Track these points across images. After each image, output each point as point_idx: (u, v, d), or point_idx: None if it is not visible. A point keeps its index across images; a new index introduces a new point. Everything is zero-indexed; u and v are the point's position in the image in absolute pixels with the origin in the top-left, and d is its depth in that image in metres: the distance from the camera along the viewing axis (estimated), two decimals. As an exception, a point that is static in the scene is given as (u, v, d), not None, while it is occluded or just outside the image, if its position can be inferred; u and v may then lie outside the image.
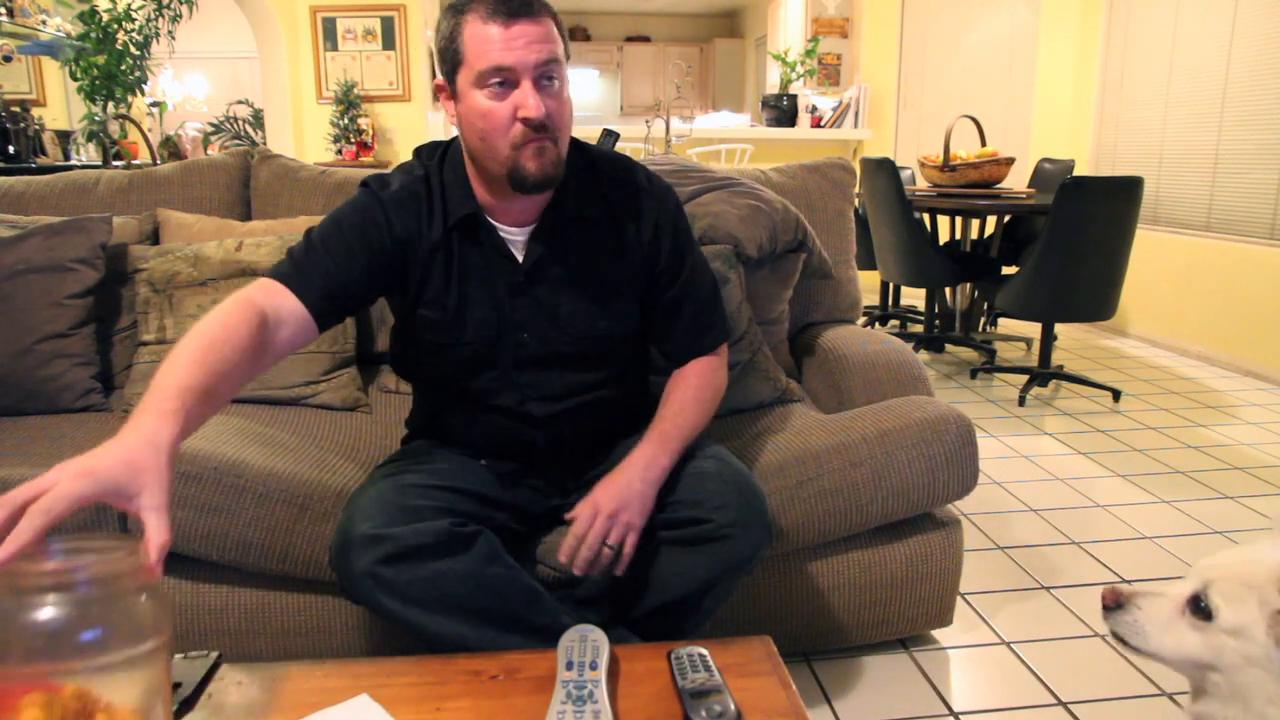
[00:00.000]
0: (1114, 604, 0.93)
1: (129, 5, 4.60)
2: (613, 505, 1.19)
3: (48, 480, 0.79)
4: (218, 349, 1.03)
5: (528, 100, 1.14)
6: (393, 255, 1.27)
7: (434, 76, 1.29)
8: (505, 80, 1.14)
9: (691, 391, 1.35)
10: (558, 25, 1.19)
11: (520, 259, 1.29)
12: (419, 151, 1.35)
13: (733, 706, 0.95)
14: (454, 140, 1.32)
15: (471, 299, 1.29)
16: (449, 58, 1.18)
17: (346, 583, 1.16)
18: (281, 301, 1.17)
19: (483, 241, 1.29)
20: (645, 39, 11.12)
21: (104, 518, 1.42)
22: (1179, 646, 0.88)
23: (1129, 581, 2.06)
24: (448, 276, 1.29)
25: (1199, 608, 0.87)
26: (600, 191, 1.32)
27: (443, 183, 1.29)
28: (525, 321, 1.31)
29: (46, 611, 0.72)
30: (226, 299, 1.13)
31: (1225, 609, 0.85)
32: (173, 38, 4.72)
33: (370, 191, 1.30)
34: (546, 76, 1.16)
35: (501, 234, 1.29)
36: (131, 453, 0.84)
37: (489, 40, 1.13)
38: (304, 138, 5.94)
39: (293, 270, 1.21)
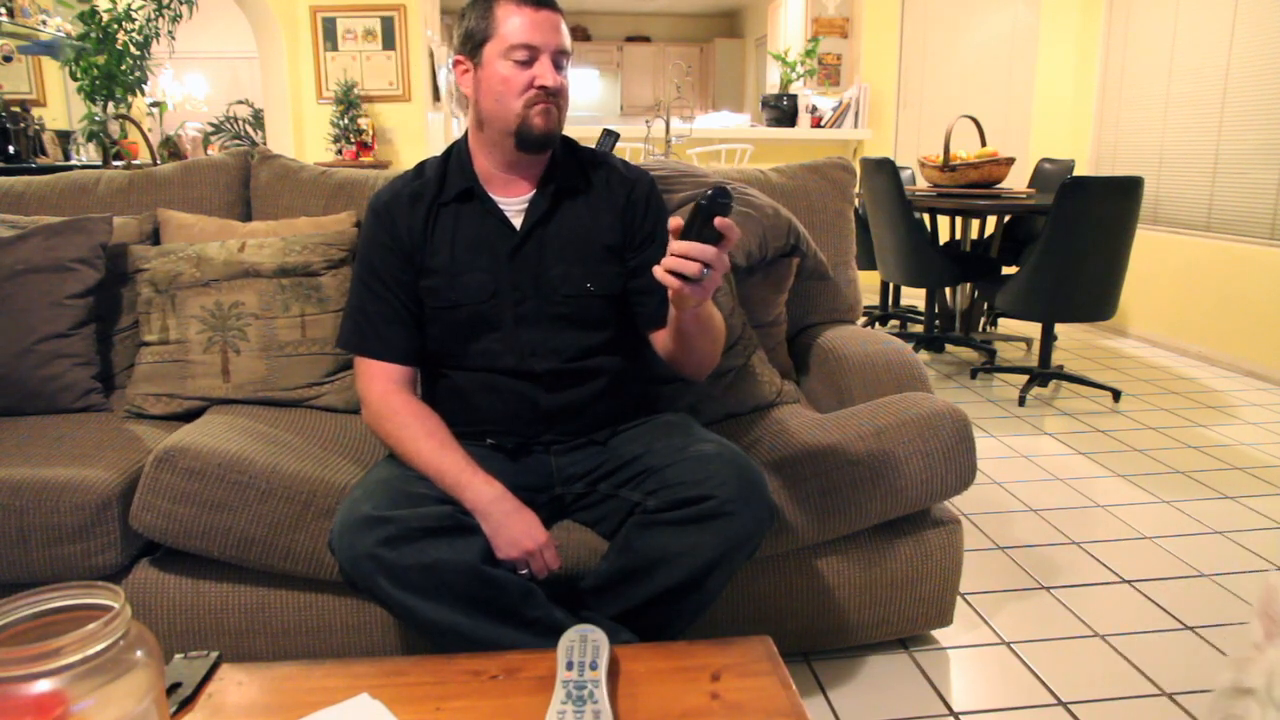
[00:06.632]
0: None
1: (129, 5, 4.60)
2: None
3: (530, 545, 1.28)
4: (435, 427, 1.38)
5: (547, 72, 1.35)
6: (410, 251, 1.44)
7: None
8: (529, 56, 1.34)
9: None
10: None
11: (517, 226, 1.44)
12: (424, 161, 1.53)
13: None
14: (455, 142, 1.50)
15: (471, 264, 1.43)
16: (479, 32, 1.36)
17: (348, 564, 1.20)
18: (392, 373, 1.43)
19: (481, 211, 1.45)
20: (645, 39, 11.12)
21: (103, 517, 1.42)
22: None
23: (1129, 582, 2.06)
24: (451, 245, 1.44)
25: None
26: (583, 170, 1.51)
27: (445, 170, 1.47)
28: (521, 283, 1.43)
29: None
30: (383, 407, 1.41)
31: None
32: (173, 38, 4.72)
33: (372, 211, 1.48)
34: (560, 61, 1.37)
35: (500, 205, 1.45)
36: (521, 509, 1.31)
37: (521, 21, 1.34)
38: (304, 138, 5.94)
39: (375, 340, 1.44)
